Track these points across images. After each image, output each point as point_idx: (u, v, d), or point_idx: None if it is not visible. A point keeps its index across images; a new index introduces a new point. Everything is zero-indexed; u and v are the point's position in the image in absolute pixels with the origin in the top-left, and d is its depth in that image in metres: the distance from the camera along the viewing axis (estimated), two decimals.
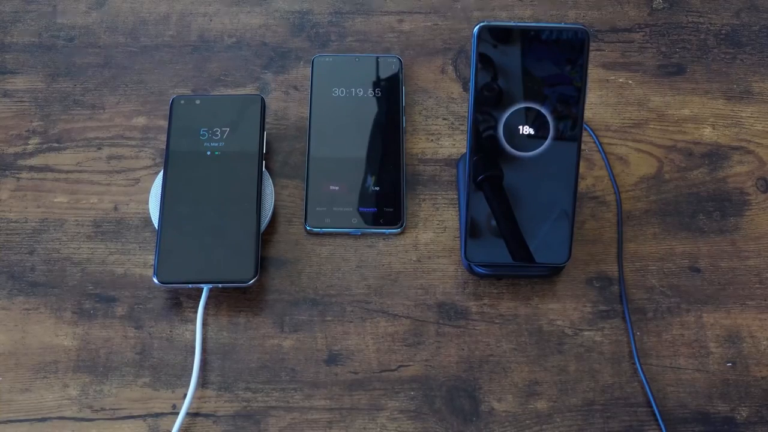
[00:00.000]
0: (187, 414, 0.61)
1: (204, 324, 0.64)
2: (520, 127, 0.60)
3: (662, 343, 0.64)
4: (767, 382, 0.63)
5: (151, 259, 0.67)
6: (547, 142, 0.61)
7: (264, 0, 0.79)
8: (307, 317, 0.65)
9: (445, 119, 0.73)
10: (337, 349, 0.64)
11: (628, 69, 0.75)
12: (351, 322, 0.65)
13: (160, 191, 0.67)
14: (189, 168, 0.67)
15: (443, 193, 0.70)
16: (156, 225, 0.66)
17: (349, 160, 0.70)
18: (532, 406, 0.62)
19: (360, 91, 0.72)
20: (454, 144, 0.72)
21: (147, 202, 0.68)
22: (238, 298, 0.66)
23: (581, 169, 0.62)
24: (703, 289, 0.66)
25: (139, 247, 0.67)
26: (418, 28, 0.77)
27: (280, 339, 0.64)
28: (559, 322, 0.65)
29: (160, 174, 0.68)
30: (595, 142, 0.71)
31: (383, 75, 0.73)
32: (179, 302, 0.65)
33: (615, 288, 0.66)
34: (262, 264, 0.66)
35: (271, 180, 0.68)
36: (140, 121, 0.73)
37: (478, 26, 0.58)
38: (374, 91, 0.73)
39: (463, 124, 0.73)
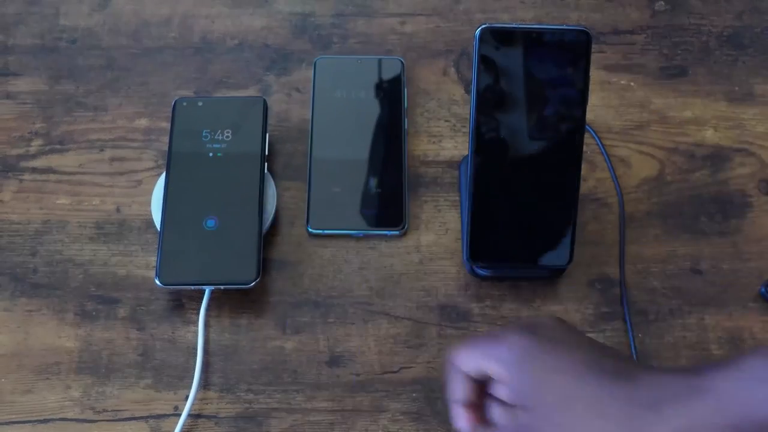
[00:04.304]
0: (189, 415, 0.61)
1: (206, 325, 0.64)
2: (522, 129, 0.60)
3: (664, 345, 0.64)
4: None
5: (153, 260, 0.67)
6: (549, 144, 0.61)
7: (266, 2, 0.79)
8: (309, 319, 0.65)
9: (447, 121, 0.73)
10: (339, 350, 0.64)
11: (630, 71, 0.75)
12: (353, 323, 0.65)
13: (162, 193, 0.67)
14: (191, 170, 0.67)
15: (445, 194, 0.70)
16: (158, 226, 0.66)
17: (352, 162, 0.70)
18: None
19: (362, 93, 0.73)
20: (456, 146, 0.72)
21: (149, 204, 0.68)
22: (240, 300, 0.66)
23: (583, 171, 0.62)
24: (704, 290, 0.66)
25: (142, 248, 0.67)
26: (420, 30, 0.77)
27: (282, 341, 0.64)
28: None
29: (163, 176, 0.68)
30: (597, 144, 0.71)
31: (385, 77, 0.73)
32: (181, 304, 0.65)
33: (617, 290, 0.66)
34: (264, 266, 0.66)
35: (273, 182, 0.68)
36: (143, 122, 0.73)
37: (480, 28, 0.58)
38: (376, 93, 0.73)
39: (465, 126, 0.73)
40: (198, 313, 0.64)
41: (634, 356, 0.63)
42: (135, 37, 0.77)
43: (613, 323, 0.65)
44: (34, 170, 0.71)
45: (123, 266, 0.67)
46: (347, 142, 0.71)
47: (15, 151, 0.71)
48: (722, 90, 0.74)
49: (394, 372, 0.63)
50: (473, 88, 0.59)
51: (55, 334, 0.64)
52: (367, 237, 0.68)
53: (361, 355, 0.64)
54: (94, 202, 0.69)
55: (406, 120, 0.72)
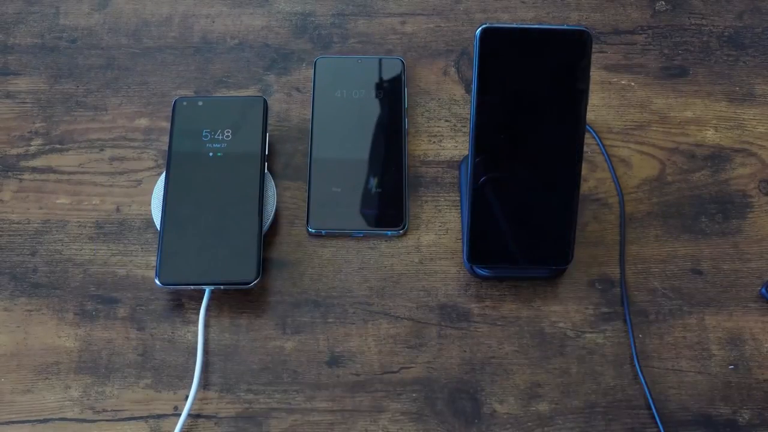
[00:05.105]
0: (189, 415, 0.61)
1: (206, 325, 0.64)
2: (522, 128, 0.60)
3: (664, 345, 0.64)
4: None
5: (153, 260, 0.67)
6: (549, 144, 0.61)
7: (266, 2, 0.79)
8: (309, 319, 0.65)
9: (447, 121, 0.73)
10: (339, 350, 0.64)
11: (631, 71, 0.75)
12: (353, 323, 0.65)
13: (162, 192, 0.67)
14: (191, 169, 0.67)
15: (445, 194, 0.70)
16: (158, 226, 0.66)
17: (352, 162, 0.70)
18: (533, 408, 0.62)
19: (362, 93, 0.73)
20: (456, 146, 0.72)
21: (149, 204, 0.68)
22: (240, 300, 0.66)
23: (583, 171, 0.62)
24: (705, 291, 0.66)
25: (141, 248, 0.67)
26: (421, 30, 0.77)
27: (282, 340, 0.64)
28: (561, 324, 0.65)
29: (163, 175, 0.68)
30: (597, 144, 0.71)
31: (386, 77, 0.73)
32: (181, 304, 0.65)
33: (617, 290, 0.66)
34: (264, 266, 0.66)
35: (273, 182, 0.68)
36: (142, 122, 0.73)
37: (480, 28, 0.58)
38: (376, 92, 0.73)
39: (465, 126, 0.73)
40: (198, 313, 0.64)
41: (635, 356, 0.63)
42: (135, 37, 0.77)
43: (613, 323, 0.65)
44: (33, 170, 0.71)
45: (123, 266, 0.67)
46: (347, 142, 0.71)
47: (15, 151, 0.71)
48: (723, 90, 0.74)
49: (394, 372, 0.63)
50: (473, 88, 0.59)
51: (55, 334, 0.64)
52: (367, 237, 0.68)
53: (361, 355, 0.64)
54: (93, 202, 0.69)
55: (406, 120, 0.72)
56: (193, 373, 0.62)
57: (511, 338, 0.64)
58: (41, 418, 0.61)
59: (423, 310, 0.65)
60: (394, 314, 0.65)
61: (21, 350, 0.64)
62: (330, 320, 0.65)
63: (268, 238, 0.67)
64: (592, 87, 0.59)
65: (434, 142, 0.72)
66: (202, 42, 0.77)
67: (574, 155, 0.61)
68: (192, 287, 0.64)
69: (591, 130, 0.72)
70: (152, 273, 0.66)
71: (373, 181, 0.69)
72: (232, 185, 0.67)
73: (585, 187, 0.70)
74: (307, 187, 0.69)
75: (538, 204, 0.62)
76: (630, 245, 0.68)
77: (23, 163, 0.71)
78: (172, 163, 0.67)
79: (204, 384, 0.63)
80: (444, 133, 0.72)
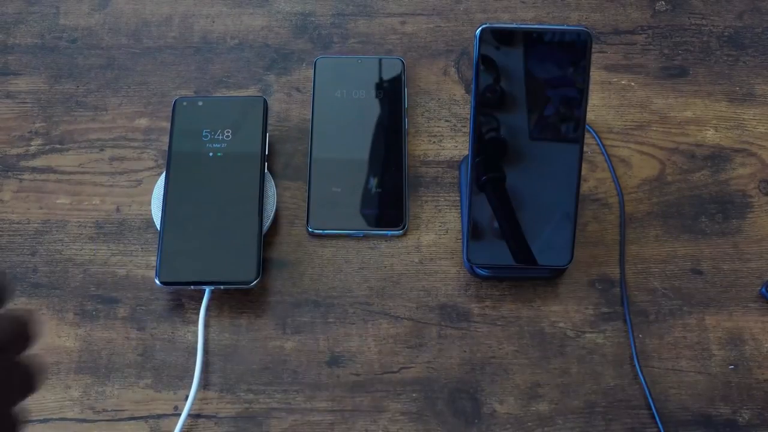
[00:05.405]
0: (189, 415, 0.61)
1: (206, 325, 0.64)
2: (522, 129, 0.60)
3: (664, 345, 0.64)
4: None
5: (153, 260, 0.67)
6: (550, 144, 0.61)
7: (266, 2, 0.79)
8: (309, 319, 0.65)
9: (447, 121, 0.73)
10: (339, 350, 0.64)
11: (631, 71, 0.75)
12: (353, 323, 0.65)
13: (162, 192, 0.67)
14: (191, 169, 0.67)
15: (445, 194, 0.70)
16: (158, 226, 0.66)
17: (352, 162, 0.70)
18: (533, 408, 0.62)
19: (362, 93, 0.72)
20: (456, 146, 0.72)
21: (149, 204, 0.68)
22: (240, 300, 0.66)
23: (583, 171, 0.62)
24: (705, 291, 0.66)
25: (141, 248, 0.67)
26: (421, 30, 0.77)
27: (282, 341, 0.64)
28: (561, 324, 0.65)
29: (163, 175, 0.68)
30: (598, 144, 0.71)
31: (386, 77, 0.73)
32: (181, 304, 0.65)
33: (617, 290, 0.66)
34: (264, 265, 0.66)
35: (273, 182, 0.68)
36: (143, 122, 0.73)
37: (480, 28, 0.58)
38: (377, 92, 0.73)
39: (465, 126, 0.73)
40: (198, 313, 0.64)
41: (635, 356, 0.63)
42: (135, 37, 0.77)
43: (613, 323, 0.65)
44: (33, 170, 0.71)
45: (123, 266, 0.67)
46: (347, 142, 0.71)
47: (15, 151, 0.71)
48: (723, 90, 0.74)
49: (394, 372, 0.63)
50: (473, 88, 0.59)
51: (55, 334, 0.64)
52: (367, 237, 0.68)
53: (361, 355, 0.64)
54: (94, 202, 0.69)
55: (406, 120, 0.72)
56: (193, 373, 0.62)
57: (511, 338, 0.64)
58: (41, 418, 0.61)
59: (423, 310, 0.65)
60: (394, 314, 0.65)
61: None
62: (330, 320, 0.65)
63: (268, 238, 0.67)
64: (592, 87, 0.59)
65: (434, 142, 0.72)
66: (202, 42, 0.77)
67: (574, 155, 0.61)
68: (192, 287, 0.64)
69: (591, 130, 0.72)
70: (152, 273, 0.66)
71: (373, 181, 0.69)
72: (232, 185, 0.67)
73: (585, 187, 0.70)
74: (307, 187, 0.69)
75: (538, 204, 0.62)
76: (630, 245, 0.68)
77: (23, 163, 0.71)
78: (172, 163, 0.67)
79: (204, 384, 0.63)
80: (444, 133, 0.72)
